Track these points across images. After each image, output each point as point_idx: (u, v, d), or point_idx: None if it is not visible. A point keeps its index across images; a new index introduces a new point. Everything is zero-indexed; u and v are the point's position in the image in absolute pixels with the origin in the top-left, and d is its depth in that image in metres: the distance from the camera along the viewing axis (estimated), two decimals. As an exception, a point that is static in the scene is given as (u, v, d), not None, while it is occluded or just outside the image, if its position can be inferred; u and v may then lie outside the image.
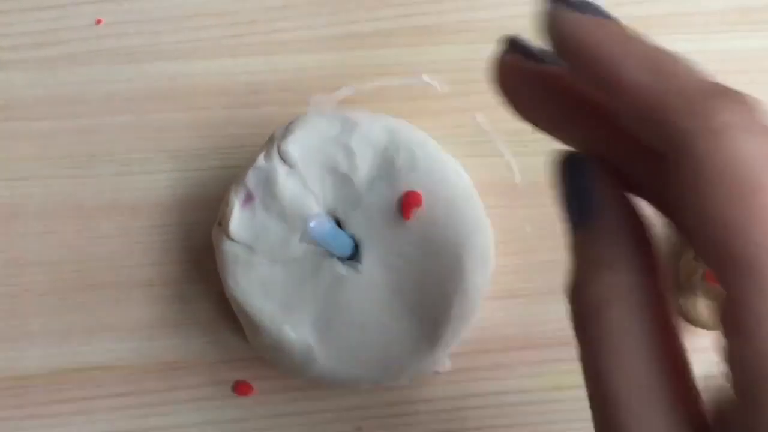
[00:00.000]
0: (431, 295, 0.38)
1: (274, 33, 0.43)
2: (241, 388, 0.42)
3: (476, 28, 0.43)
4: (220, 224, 0.39)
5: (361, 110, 0.40)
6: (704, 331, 0.41)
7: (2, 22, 0.43)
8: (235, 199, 0.39)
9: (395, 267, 0.38)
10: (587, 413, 0.42)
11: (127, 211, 0.42)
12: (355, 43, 0.43)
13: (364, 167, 0.39)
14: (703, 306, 0.40)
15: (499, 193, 0.42)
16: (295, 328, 0.38)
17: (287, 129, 0.39)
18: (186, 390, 0.42)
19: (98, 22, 0.43)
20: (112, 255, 0.42)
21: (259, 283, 0.38)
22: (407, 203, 0.38)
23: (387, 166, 0.39)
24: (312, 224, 0.35)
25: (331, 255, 0.38)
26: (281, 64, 0.43)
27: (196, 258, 0.42)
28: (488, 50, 0.43)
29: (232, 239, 0.38)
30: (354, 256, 0.38)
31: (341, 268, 0.38)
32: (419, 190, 0.38)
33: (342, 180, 0.39)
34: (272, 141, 0.39)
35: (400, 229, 0.38)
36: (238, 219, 0.38)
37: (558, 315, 0.42)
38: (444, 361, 0.41)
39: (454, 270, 0.38)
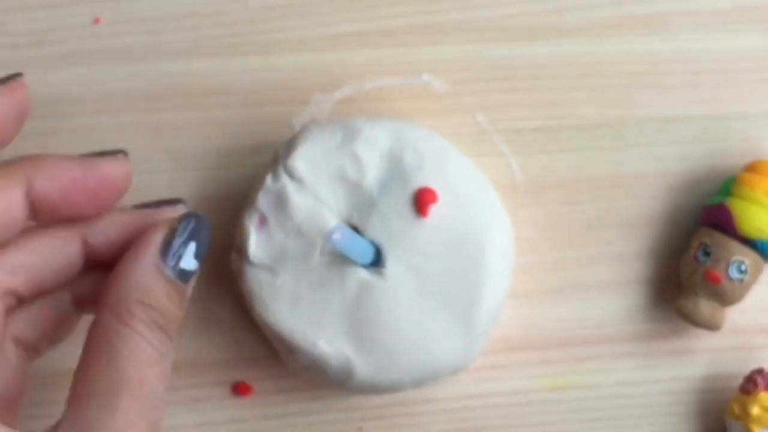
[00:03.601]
0: (459, 286, 0.38)
1: (274, 32, 0.43)
2: (240, 388, 0.42)
3: (476, 27, 0.43)
4: (238, 251, 0.39)
5: (359, 116, 0.40)
6: (704, 331, 0.41)
7: (0, 21, 0.43)
8: (249, 223, 0.38)
9: (419, 266, 0.38)
10: (587, 413, 0.42)
11: (126, 210, 0.42)
12: (355, 43, 0.43)
13: (372, 171, 0.39)
14: (703, 306, 0.40)
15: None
16: (329, 342, 0.38)
17: (289, 145, 0.39)
18: (185, 390, 0.42)
19: (97, 21, 0.43)
20: (111, 255, 0.42)
21: (287, 304, 0.38)
22: (423, 201, 0.38)
23: (395, 166, 0.39)
24: (335, 236, 0.35)
25: (353, 263, 0.38)
26: (281, 64, 0.43)
27: (196, 258, 0.42)
28: (488, 50, 0.43)
29: (253, 264, 0.38)
30: (376, 262, 0.38)
31: (366, 275, 0.38)
32: (432, 186, 0.38)
33: (353, 187, 0.38)
34: (276, 160, 0.39)
35: (418, 228, 0.38)
36: (255, 243, 0.38)
37: (558, 315, 0.42)
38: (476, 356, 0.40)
39: (479, 259, 0.38)
